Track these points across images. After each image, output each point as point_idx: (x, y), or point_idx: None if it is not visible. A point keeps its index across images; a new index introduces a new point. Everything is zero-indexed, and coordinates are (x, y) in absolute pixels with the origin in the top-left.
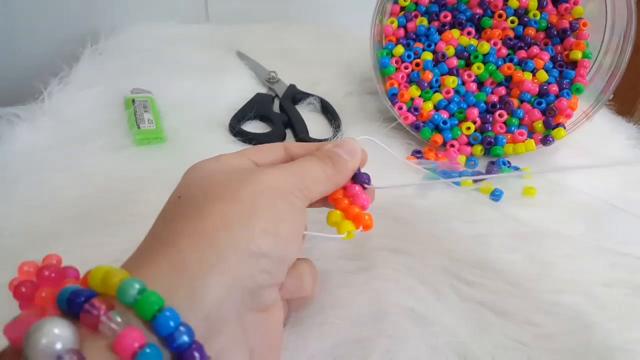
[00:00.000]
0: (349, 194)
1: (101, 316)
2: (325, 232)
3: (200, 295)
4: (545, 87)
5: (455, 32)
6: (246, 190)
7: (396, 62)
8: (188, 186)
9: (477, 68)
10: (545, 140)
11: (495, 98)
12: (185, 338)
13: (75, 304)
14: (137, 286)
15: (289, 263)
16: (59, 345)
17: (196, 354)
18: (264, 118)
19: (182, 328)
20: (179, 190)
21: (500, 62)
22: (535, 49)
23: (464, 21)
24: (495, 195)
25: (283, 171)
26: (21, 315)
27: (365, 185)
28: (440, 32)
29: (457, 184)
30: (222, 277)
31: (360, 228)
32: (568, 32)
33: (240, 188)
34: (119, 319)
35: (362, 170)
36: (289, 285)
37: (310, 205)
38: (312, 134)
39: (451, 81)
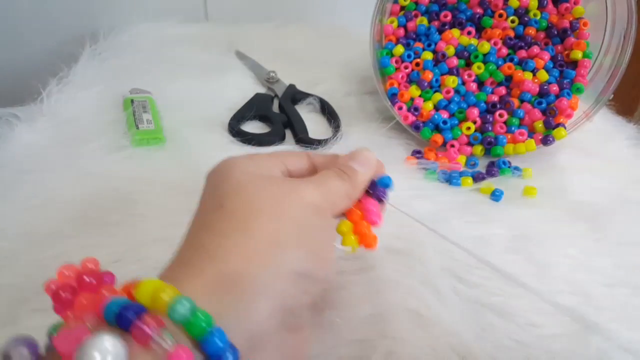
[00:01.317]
0: (363, 207)
1: (153, 334)
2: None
3: (248, 315)
4: (545, 87)
5: (456, 32)
6: (292, 207)
7: (396, 61)
8: (228, 193)
9: (478, 68)
10: (546, 140)
11: (495, 98)
12: (230, 358)
13: (126, 319)
14: (188, 305)
15: (327, 282)
16: None
17: None
18: (263, 118)
19: (229, 350)
20: (217, 196)
21: (500, 62)
22: (535, 49)
23: (464, 21)
24: (496, 195)
25: (315, 187)
26: (70, 327)
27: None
28: (441, 31)
29: (457, 184)
30: (270, 298)
31: (362, 246)
32: (568, 32)
33: (286, 204)
34: (170, 337)
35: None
36: None
37: None
38: (311, 134)
39: (451, 81)
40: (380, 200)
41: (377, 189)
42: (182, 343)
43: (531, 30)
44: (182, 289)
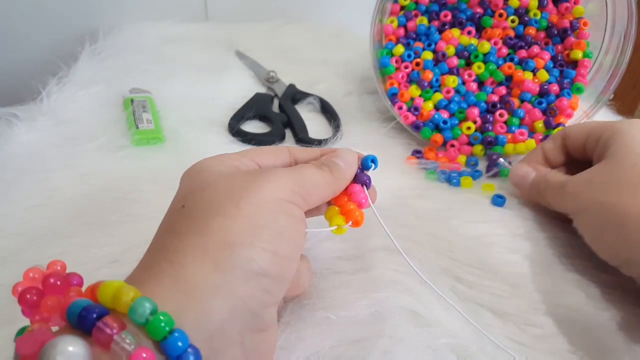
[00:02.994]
0: (349, 192)
1: (114, 335)
2: (318, 228)
3: (206, 316)
4: (545, 86)
5: (456, 32)
6: (248, 202)
7: (396, 61)
8: (191, 193)
9: (478, 67)
10: None
11: (495, 98)
12: (192, 359)
13: (87, 321)
14: (148, 306)
15: (288, 280)
16: None
17: None
18: (263, 118)
19: (190, 350)
20: (181, 197)
21: (500, 62)
22: (535, 49)
23: (464, 20)
24: (498, 200)
25: (285, 175)
26: (33, 330)
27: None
28: (441, 31)
29: (457, 184)
30: (227, 298)
31: (350, 223)
32: (568, 32)
33: (243, 199)
34: (131, 339)
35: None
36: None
37: (310, 214)
38: (311, 134)
39: (451, 81)
40: (364, 185)
41: (360, 174)
42: (144, 344)
43: (531, 30)
44: (144, 290)
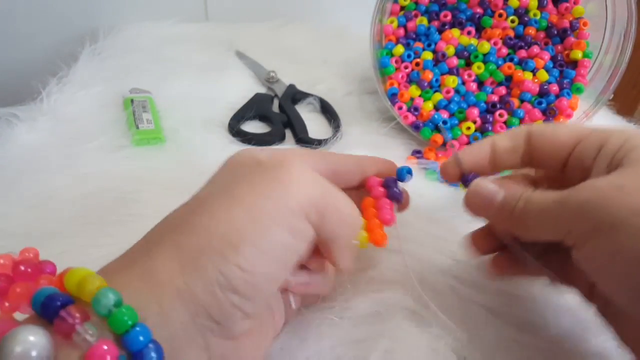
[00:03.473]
0: (378, 206)
1: (76, 326)
2: None
3: (167, 315)
4: (545, 86)
5: (456, 32)
6: (242, 207)
7: (396, 61)
8: (208, 183)
9: (477, 68)
10: None
11: (495, 98)
12: (153, 355)
13: (50, 309)
14: (112, 297)
15: (264, 298)
16: (34, 354)
17: None
18: (263, 118)
19: (151, 345)
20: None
21: (500, 62)
22: (535, 49)
23: (464, 20)
24: None
25: (312, 177)
26: None
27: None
28: (440, 31)
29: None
30: (188, 303)
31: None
32: (568, 32)
33: (237, 201)
34: (93, 330)
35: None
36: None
37: None
38: (311, 134)
39: (451, 81)
40: (396, 200)
41: (394, 190)
42: (106, 336)
43: (531, 30)
44: (114, 278)
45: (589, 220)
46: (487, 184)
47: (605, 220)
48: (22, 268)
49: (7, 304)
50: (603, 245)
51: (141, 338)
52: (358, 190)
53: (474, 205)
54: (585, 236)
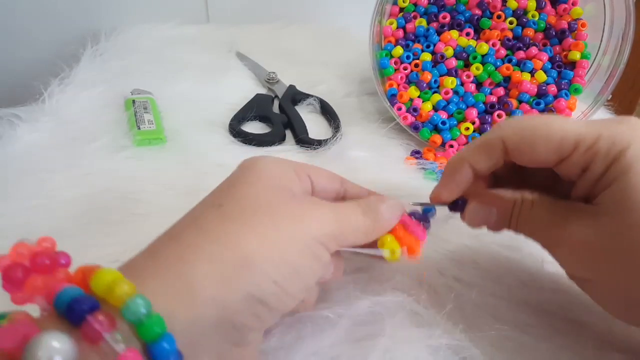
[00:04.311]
0: (405, 224)
1: (104, 333)
2: (369, 250)
3: (194, 323)
4: (543, 87)
5: (454, 33)
6: (284, 232)
7: (395, 62)
8: (233, 197)
9: (476, 69)
10: None
11: (494, 98)
12: None
13: (77, 313)
14: (142, 304)
15: (282, 314)
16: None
17: None
18: (263, 119)
19: (175, 356)
20: (223, 191)
21: (498, 63)
22: (533, 50)
23: (462, 22)
24: None
25: (328, 213)
26: (14, 320)
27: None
28: (439, 33)
29: None
30: (218, 311)
31: (405, 249)
32: (567, 33)
33: (279, 226)
34: (121, 339)
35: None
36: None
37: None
38: (311, 135)
39: (450, 82)
40: (424, 224)
41: (424, 216)
42: (132, 343)
43: (529, 31)
44: (141, 283)
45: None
46: (478, 212)
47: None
48: (40, 260)
49: (19, 294)
50: (617, 269)
51: (167, 347)
52: None
53: (473, 226)
54: (590, 267)
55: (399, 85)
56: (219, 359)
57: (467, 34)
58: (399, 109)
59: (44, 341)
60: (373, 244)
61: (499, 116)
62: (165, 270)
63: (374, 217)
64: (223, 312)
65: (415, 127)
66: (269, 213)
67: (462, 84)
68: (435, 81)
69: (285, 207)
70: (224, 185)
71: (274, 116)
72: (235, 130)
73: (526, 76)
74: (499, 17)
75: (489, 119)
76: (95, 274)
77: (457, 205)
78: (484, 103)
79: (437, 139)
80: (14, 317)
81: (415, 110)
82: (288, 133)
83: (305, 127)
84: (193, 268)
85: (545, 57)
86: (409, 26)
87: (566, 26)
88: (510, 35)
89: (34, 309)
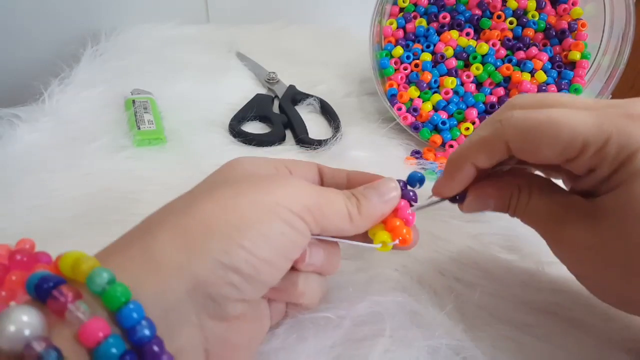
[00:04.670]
0: (395, 208)
1: (68, 304)
2: (362, 243)
3: (163, 293)
4: (543, 87)
5: (454, 33)
6: (246, 198)
7: (395, 62)
8: (207, 181)
9: (476, 69)
10: None
11: (494, 98)
12: (146, 332)
13: (43, 290)
14: (105, 276)
15: (264, 284)
16: (27, 332)
17: (155, 348)
18: (263, 119)
19: (144, 322)
20: (198, 186)
21: (499, 63)
22: (533, 50)
23: (462, 22)
24: None
25: (305, 189)
26: None
27: (412, 203)
28: (439, 33)
29: None
30: (187, 279)
31: (397, 241)
32: (567, 33)
33: (242, 193)
34: (85, 308)
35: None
36: (279, 287)
37: (352, 238)
38: (311, 135)
39: (450, 82)
40: (410, 202)
41: (406, 190)
42: (99, 314)
43: (529, 32)
44: (106, 260)
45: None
46: (476, 204)
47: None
48: (18, 257)
49: (3, 293)
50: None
51: (135, 315)
52: None
53: (471, 212)
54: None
55: (399, 85)
56: (202, 332)
57: (467, 34)
58: (399, 109)
59: (13, 315)
60: (364, 235)
61: None
62: (129, 245)
63: (359, 203)
64: (195, 281)
65: (415, 127)
66: (233, 185)
67: (462, 84)
68: (435, 81)
69: (253, 181)
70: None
71: (274, 116)
72: (235, 130)
73: (526, 76)
74: (499, 17)
75: None
76: (62, 257)
77: (456, 198)
78: (484, 103)
79: (437, 139)
80: None
81: (415, 110)
82: (288, 133)
83: (305, 127)
84: (154, 239)
85: (545, 57)
86: (409, 26)
87: (566, 26)
88: (510, 35)
89: None
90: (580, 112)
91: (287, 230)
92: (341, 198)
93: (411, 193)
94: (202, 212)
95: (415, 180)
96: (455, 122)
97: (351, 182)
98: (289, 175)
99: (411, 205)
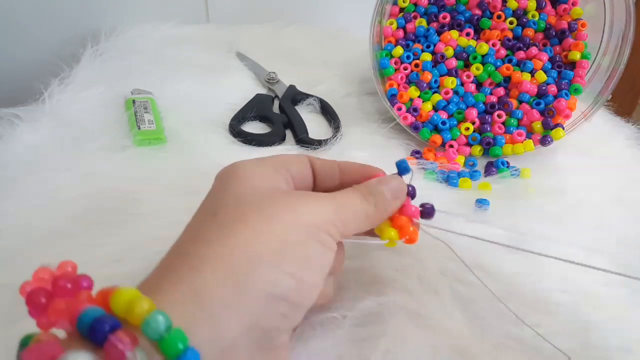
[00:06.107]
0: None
1: (126, 351)
2: (368, 239)
3: (219, 333)
4: (543, 87)
5: (454, 33)
6: (281, 221)
7: (395, 63)
8: (223, 202)
9: (476, 69)
10: (544, 141)
11: (494, 99)
12: None
13: (99, 333)
14: (162, 321)
15: (307, 307)
16: None
17: None
18: (263, 119)
19: None
20: (213, 202)
21: (499, 63)
22: (534, 50)
23: (462, 22)
24: (481, 203)
25: (323, 203)
26: (40, 341)
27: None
28: (439, 33)
29: (456, 185)
30: (242, 317)
31: (404, 239)
32: (567, 33)
33: (276, 217)
34: (142, 356)
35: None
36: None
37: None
38: (311, 135)
39: (450, 82)
40: (409, 195)
41: (409, 189)
42: None
43: (529, 32)
44: (158, 299)
45: None
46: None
47: None
48: (62, 283)
49: (44, 320)
50: None
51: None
52: None
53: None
54: None
55: (399, 85)
56: None
57: (467, 34)
58: (399, 109)
59: None
60: (371, 232)
61: (499, 116)
62: (177, 282)
63: (375, 200)
64: (249, 319)
65: (415, 127)
66: (261, 209)
67: (462, 84)
68: (436, 81)
69: (277, 201)
70: (210, 196)
71: (274, 116)
72: (236, 130)
73: (526, 76)
74: (499, 17)
75: (489, 119)
76: (114, 294)
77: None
78: (484, 103)
79: (437, 139)
80: (39, 338)
81: (415, 110)
82: (288, 133)
83: (305, 127)
84: (200, 276)
85: (545, 57)
86: (409, 26)
87: (566, 26)
88: (510, 35)
89: (59, 334)
90: None
91: (322, 249)
92: (358, 199)
93: (410, 188)
94: (242, 241)
95: (404, 168)
96: (455, 122)
97: (343, 172)
98: (305, 192)
99: (411, 198)
